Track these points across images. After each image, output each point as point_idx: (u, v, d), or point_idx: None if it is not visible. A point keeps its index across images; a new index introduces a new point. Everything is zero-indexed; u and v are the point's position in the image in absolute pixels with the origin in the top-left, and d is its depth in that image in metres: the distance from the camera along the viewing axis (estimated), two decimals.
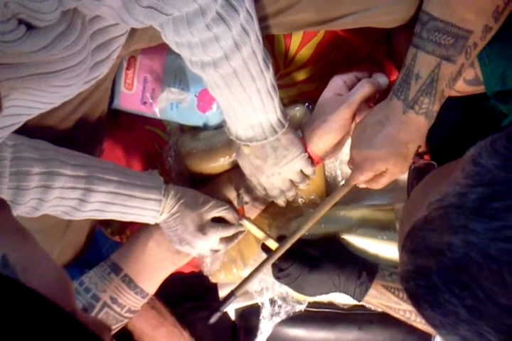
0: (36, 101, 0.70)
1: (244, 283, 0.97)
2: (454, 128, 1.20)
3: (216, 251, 1.00)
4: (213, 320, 0.97)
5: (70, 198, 0.87)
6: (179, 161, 1.06)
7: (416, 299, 0.48)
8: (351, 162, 0.92)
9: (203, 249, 0.98)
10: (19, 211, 0.85)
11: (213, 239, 0.97)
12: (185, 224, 0.94)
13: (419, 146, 0.85)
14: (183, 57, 0.84)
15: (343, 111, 0.93)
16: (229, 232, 0.98)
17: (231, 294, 0.97)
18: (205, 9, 0.72)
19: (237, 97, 0.86)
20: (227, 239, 1.00)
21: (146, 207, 0.92)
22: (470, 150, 0.49)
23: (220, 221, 0.99)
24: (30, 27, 0.55)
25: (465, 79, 0.91)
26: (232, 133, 0.94)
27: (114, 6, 0.62)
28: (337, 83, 0.97)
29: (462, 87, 0.93)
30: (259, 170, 0.96)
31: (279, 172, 0.96)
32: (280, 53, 1.05)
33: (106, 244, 1.13)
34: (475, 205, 0.44)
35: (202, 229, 0.95)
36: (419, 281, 0.47)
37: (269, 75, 0.86)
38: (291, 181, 0.99)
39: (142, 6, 0.64)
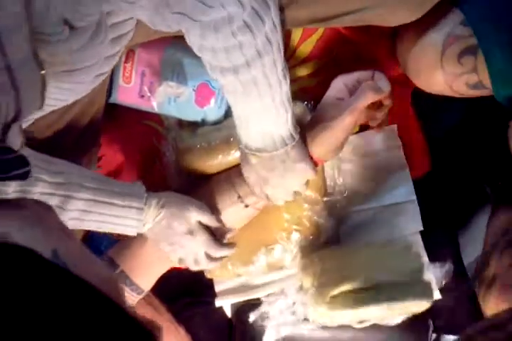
0: (51, 98, 0.71)
1: None
2: (454, 124, 1.20)
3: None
4: None
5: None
6: (177, 157, 1.05)
7: None
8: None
9: (192, 251, 0.96)
10: None
11: (201, 240, 0.95)
12: (173, 228, 0.93)
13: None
14: (203, 60, 0.83)
15: (345, 118, 0.92)
16: (216, 250, 0.97)
17: None
18: (233, 17, 0.74)
19: (253, 105, 0.85)
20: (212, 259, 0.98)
21: (128, 215, 0.89)
22: None
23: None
24: (71, 28, 0.59)
25: (468, 84, 0.91)
26: (242, 141, 0.92)
27: (146, 11, 0.67)
28: (338, 87, 0.96)
29: (465, 91, 0.93)
30: (265, 180, 0.95)
31: (284, 184, 0.95)
32: None
33: (104, 242, 1.13)
34: None
35: (191, 231, 0.94)
36: None
37: (286, 86, 0.85)
38: (295, 191, 0.98)
39: (173, 12, 0.68)
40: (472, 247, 1.15)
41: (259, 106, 0.85)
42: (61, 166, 0.87)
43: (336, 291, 0.99)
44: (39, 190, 0.83)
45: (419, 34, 0.95)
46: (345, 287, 0.99)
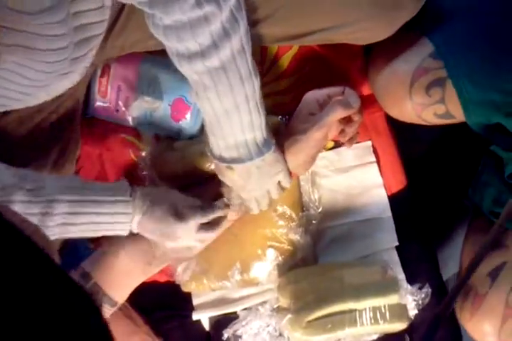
0: (10, 88, 0.70)
1: None
2: (432, 143, 1.21)
3: (203, 241, 0.95)
4: None
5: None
6: (153, 170, 1.05)
7: None
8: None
9: (188, 239, 0.93)
10: None
11: (193, 224, 0.92)
12: (160, 218, 0.89)
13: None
14: (170, 51, 0.83)
15: (315, 133, 0.94)
16: (208, 216, 0.93)
17: None
18: None
19: (225, 103, 0.84)
20: (209, 227, 0.94)
21: (116, 210, 0.87)
22: None
23: None
24: None
25: (436, 114, 0.92)
26: (216, 154, 0.92)
27: None
28: (310, 102, 0.98)
29: (432, 120, 0.95)
30: (241, 187, 0.96)
31: (260, 185, 0.96)
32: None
33: (79, 254, 1.13)
34: None
35: (179, 215, 0.90)
36: None
37: (257, 84, 0.85)
38: (268, 191, 0.98)
39: None
40: (452, 263, 1.15)
41: (231, 103, 0.84)
42: (36, 183, 0.83)
43: (312, 317, 0.98)
44: (18, 198, 0.80)
45: (388, 64, 0.98)
46: (322, 312, 0.98)
